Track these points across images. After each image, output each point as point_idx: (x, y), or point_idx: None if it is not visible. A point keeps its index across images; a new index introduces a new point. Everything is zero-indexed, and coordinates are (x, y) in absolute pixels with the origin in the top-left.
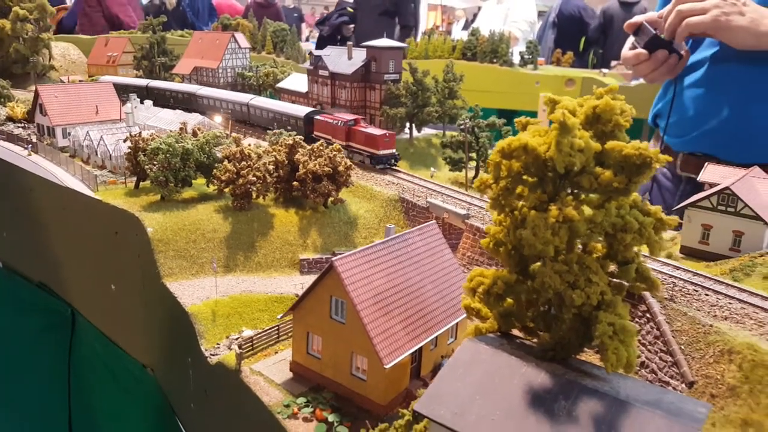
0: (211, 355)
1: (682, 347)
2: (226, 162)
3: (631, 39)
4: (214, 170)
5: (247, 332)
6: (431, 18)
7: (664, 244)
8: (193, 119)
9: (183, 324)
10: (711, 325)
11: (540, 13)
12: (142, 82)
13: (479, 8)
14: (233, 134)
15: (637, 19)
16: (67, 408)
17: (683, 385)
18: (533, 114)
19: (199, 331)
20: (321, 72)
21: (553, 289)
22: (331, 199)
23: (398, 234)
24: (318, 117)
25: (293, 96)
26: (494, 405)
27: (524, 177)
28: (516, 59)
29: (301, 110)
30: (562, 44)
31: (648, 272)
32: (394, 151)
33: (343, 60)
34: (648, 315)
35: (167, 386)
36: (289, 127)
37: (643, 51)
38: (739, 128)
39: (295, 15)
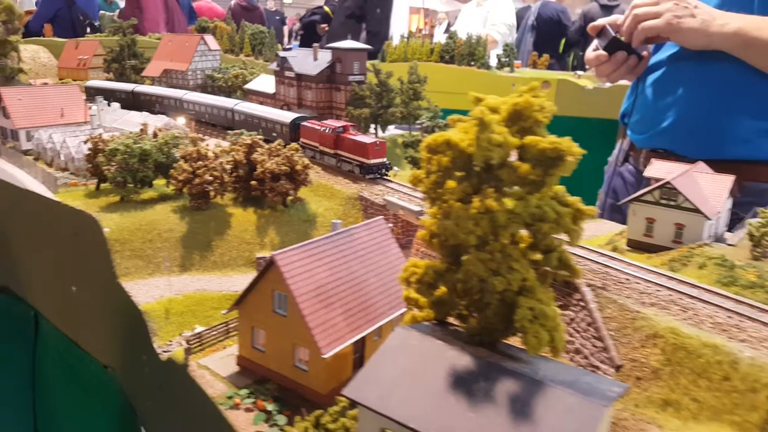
0: (163, 351)
1: (612, 333)
2: (182, 162)
3: (595, 41)
4: (171, 170)
5: (200, 329)
6: (414, 21)
7: (582, 233)
8: (158, 121)
9: (138, 323)
10: (638, 312)
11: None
12: (128, 86)
13: (461, 11)
14: (191, 134)
15: (600, 22)
16: (32, 411)
17: (612, 369)
18: None
19: (152, 328)
20: (287, 73)
21: (477, 277)
22: (289, 197)
23: (344, 229)
24: (305, 123)
25: (261, 97)
26: (418, 387)
27: (453, 171)
28: (493, 62)
29: (286, 116)
30: (542, 47)
31: (569, 260)
32: (384, 159)
33: (308, 61)
34: (582, 303)
35: (127, 386)
36: (274, 134)
37: (604, 53)
38: (694, 125)
39: (277, 18)
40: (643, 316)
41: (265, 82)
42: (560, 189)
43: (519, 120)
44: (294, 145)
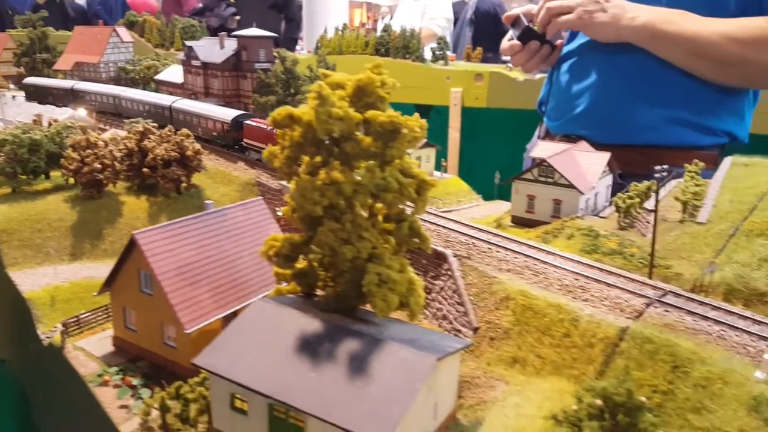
0: (46, 338)
1: (472, 298)
2: (70, 150)
3: (511, 31)
4: (62, 159)
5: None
6: (357, 15)
7: (426, 203)
8: (63, 113)
9: (25, 312)
10: (495, 277)
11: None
12: (67, 84)
13: (398, 5)
14: (81, 123)
15: (514, 12)
16: None
17: (470, 331)
18: (445, 108)
19: (37, 316)
20: (194, 62)
21: (329, 246)
22: (183, 184)
23: (216, 209)
24: (248, 122)
25: (170, 87)
26: (266, 353)
27: (305, 146)
28: (428, 55)
29: (227, 114)
30: (480, 41)
31: (419, 229)
32: None
33: (215, 50)
34: (449, 272)
35: (22, 377)
36: (215, 133)
37: (518, 42)
38: (605, 112)
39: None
40: (499, 281)
41: (175, 73)
42: (410, 162)
43: (363, 96)
44: (185, 130)
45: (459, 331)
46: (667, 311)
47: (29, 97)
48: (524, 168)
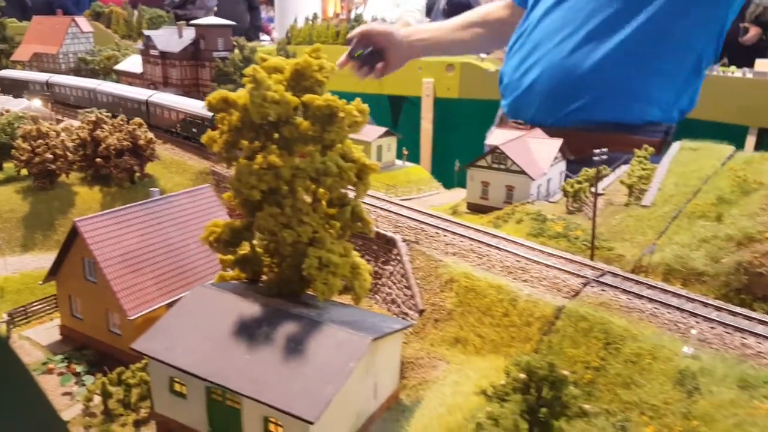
0: None
1: (419, 281)
2: (20, 140)
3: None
4: (13, 150)
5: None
6: (330, 5)
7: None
8: (18, 104)
9: None
10: (441, 261)
11: None
12: (43, 77)
13: None
14: (34, 113)
15: (351, 33)
16: None
17: (416, 314)
18: (418, 99)
19: None
20: (152, 52)
21: (269, 231)
22: (137, 174)
23: (162, 197)
24: None
25: (130, 78)
26: (203, 337)
27: (243, 131)
28: None
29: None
30: None
31: (362, 213)
32: None
33: (173, 39)
34: (398, 257)
35: None
36: (194, 130)
37: (346, 57)
38: (549, 88)
39: None
40: (445, 264)
41: (135, 63)
42: (353, 147)
43: (302, 80)
44: (137, 119)
45: (406, 314)
46: (603, 290)
47: (4, 91)
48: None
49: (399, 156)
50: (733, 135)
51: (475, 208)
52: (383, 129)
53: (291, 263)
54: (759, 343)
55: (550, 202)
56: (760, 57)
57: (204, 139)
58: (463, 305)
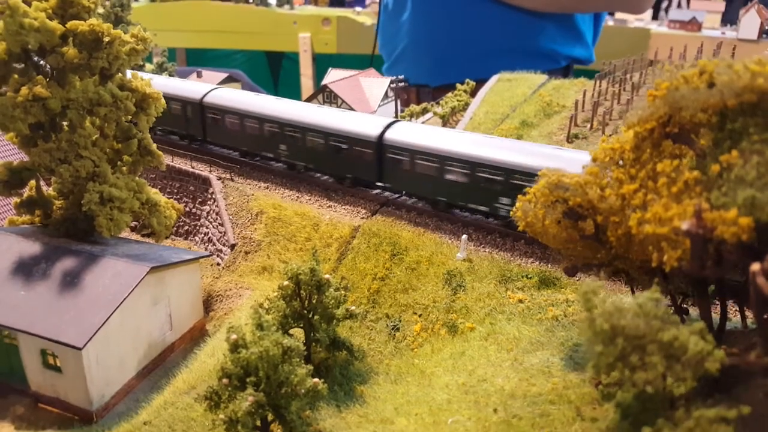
0: None
1: (231, 217)
2: None
3: None
4: None
5: None
6: None
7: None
8: None
9: None
10: (253, 194)
11: None
12: None
13: None
14: None
15: None
16: None
17: (228, 249)
18: (296, 55)
19: None
20: None
21: (45, 167)
22: None
23: None
24: None
25: None
26: None
27: (11, 64)
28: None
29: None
30: None
31: (150, 146)
32: None
33: None
34: (213, 196)
35: None
36: None
37: None
38: (425, 50)
39: None
40: (256, 197)
41: None
42: (135, 76)
43: (69, 7)
44: None
45: (220, 250)
46: (396, 209)
47: None
48: None
49: None
50: None
51: None
52: (223, 75)
53: (73, 201)
54: (527, 245)
55: None
56: None
57: None
58: (270, 235)
